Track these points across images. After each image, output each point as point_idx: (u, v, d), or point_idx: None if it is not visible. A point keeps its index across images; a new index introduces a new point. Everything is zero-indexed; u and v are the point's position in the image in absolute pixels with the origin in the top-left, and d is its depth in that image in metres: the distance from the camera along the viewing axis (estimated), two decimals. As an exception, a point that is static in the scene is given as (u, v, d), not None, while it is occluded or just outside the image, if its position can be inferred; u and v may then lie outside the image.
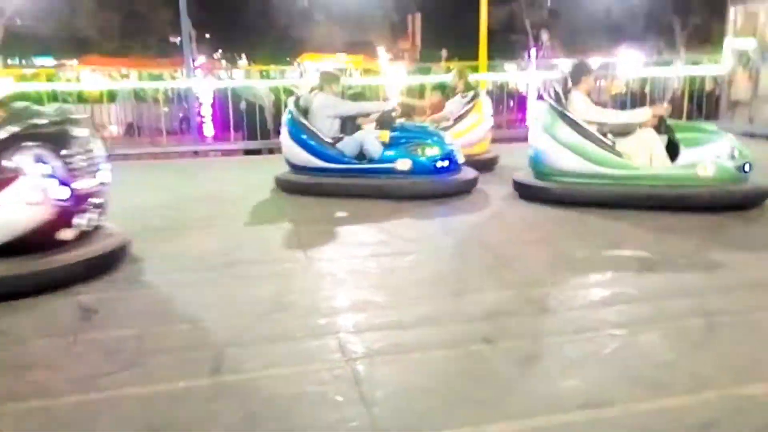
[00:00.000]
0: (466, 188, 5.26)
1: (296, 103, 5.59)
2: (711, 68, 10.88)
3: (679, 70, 11.07)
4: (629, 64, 12.44)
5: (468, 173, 5.38)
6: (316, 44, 21.59)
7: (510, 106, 10.71)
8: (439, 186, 5.17)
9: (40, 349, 2.42)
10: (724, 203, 4.42)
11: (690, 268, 3.28)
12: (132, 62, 18.57)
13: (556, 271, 3.25)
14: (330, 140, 5.40)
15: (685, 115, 10.21)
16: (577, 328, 2.51)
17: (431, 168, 5.18)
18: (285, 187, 5.57)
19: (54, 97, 9.02)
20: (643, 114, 4.75)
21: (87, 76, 13.40)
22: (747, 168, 4.52)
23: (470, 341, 2.40)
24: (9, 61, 19.04)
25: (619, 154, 4.60)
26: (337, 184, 5.31)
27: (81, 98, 9.84)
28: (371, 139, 5.31)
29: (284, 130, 5.53)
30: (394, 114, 5.55)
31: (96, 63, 18.99)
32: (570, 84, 4.89)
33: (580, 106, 4.75)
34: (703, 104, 10.13)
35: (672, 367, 2.18)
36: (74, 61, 20.20)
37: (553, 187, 4.78)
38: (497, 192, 5.28)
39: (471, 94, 6.48)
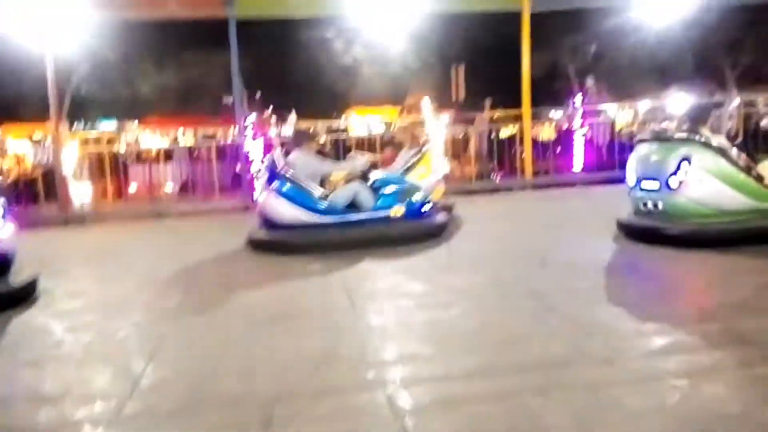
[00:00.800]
0: (445, 228, 5.65)
1: (276, 161, 5.57)
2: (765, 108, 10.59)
3: (732, 109, 10.81)
4: (679, 105, 12.23)
5: (441, 216, 5.77)
6: (362, 98, 22.16)
7: (557, 152, 10.65)
8: (428, 228, 5.51)
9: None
10: None
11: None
12: (188, 121, 19.45)
13: (612, 319, 3.14)
14: (323, 192, 5.49)
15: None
16: (636, 379, 2.40)
17: (419, 212, 5.54)
18: (265, 246, 5.39)
19: (115, 158, 9.51)
20: None
21: (146, 137, 14.08)
22: None
23: (521, 393, 2.33)
24: (75, 126, 20.23)
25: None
26: (330, 237, 5.32)
27: (139, 158, 10.34)
28: (365, 188, 5.55)
29: (268, 188, 5.42)
30: (367, 168, 5.81)
31: (155, 123, 20.01)
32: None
33: (722, 143, 4.74)
34: (758, 142, 9.82)
35: (741, 419, 2.05)
36: (135, 122, 21.32)
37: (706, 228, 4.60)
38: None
39: (417, 148, 6.45)
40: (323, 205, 5.42)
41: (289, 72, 22.27)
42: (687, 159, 4.64)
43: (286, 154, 5.75)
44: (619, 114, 14.67)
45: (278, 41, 20.22)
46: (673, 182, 4.66)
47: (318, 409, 2.31)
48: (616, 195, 8.19)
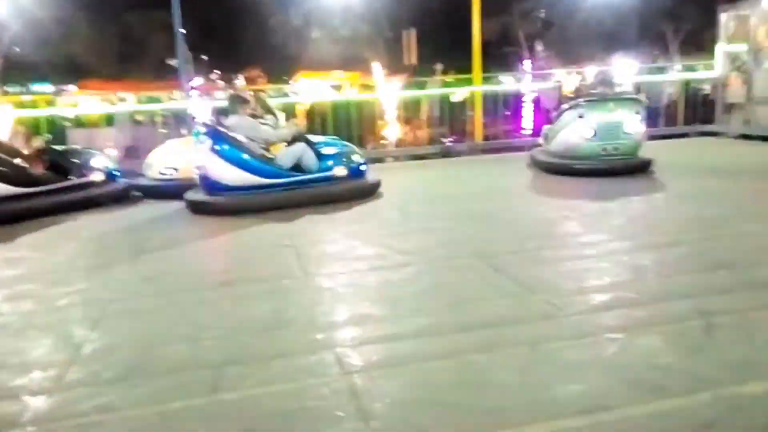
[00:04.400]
0: (378, 187, 5.96)
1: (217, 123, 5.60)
2: (705, 73, 10.95)
3: (674, 75, 11.15)
4: (625, 71, 12.50)
5: (375, 176, 6.01)
6: (312, 62, 21.74)
7: (505, 115, 10.75)
8: (366, 187, 5.82)
9: (37, 373, 2.42)
10: None
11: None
12: (129, 85, 18.69)
13: (555, 277, 3.24)
14: (270, 155, 5.54)
15: (683, 119, 10.26)
16: (576, 334, 2.50)
17: (359, 172, 5.82)
18: (209, 209, 5.36)
19: (52, 122, 9.07)
20: None
21: (85, 101, 13.47)
22: None
23: (468, 351, 2.39)
24: (8, 89, 19.18)
25: None
26: (275, 198, 5.41)
27: (79, 123, 9.90)
28: (309, 150, 5.65)
29: (209, 151, 5.33)
30: (303, 132, 6.00)
31: (94, 87, 19.13)
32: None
33: None
34: (698, 108, 10.17)
35: (670, 369, 2.17)
36: (73, 87, 20.36)
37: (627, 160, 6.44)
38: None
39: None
40: (269, 166, 5.45)
41: (236, 35, 21.62)
42: (638, 111, 6.41)
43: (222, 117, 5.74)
44: (567, 79, 14.89)
45: (225, 2, 19.54)
46: (632, 129, 6.34)
47: (266, 372, 2.31)
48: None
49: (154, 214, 5.71)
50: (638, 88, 9.90)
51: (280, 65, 22.70)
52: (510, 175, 6.91)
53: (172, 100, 10.52)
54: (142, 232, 4.99)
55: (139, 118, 10.07)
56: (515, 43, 23.96)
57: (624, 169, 6.31)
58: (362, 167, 5.87)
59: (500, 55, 24.13)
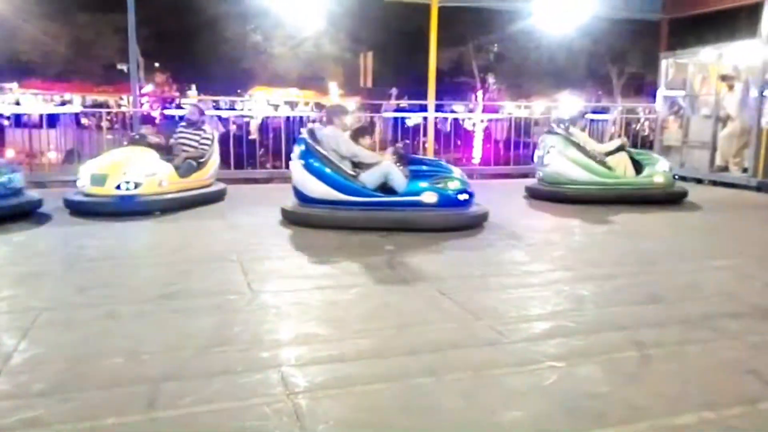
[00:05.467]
0: (483, 220, 5.42)
1: (310, 135, 5.48)
2: (644, 115, 11.52)
3: (615, 115, 11.67)
4: (570, 108, 13.00)
5: (482, 207, 5.50)
6: (268, 77, 21.64)
7: (457, 144, 10.98)
8: (461, 218, 5.27)
9: (-42, 383, 2.27)
10: (670, 199, 6.98)
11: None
12: (75, 87, 18.11)
13: (500, 305, 3.30)
14: (352, 172, 5.31)
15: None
16: (519, 361, 2.55)
17: (455, 201, 5.26)
18: (294, 219, 5.39)
19: (-11, 120, 8.68)
20: (615, 144, 7.47)
21: (27, 100, 12.97)
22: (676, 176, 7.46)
23: (413, 374, 2.40)
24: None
25: (609, 168, 7.00)
26: (355, 216, 5.17)
27: (19, 123, 9.49)
28: (397, 171, 5.29)
29: (298, 162, 5.34)
30: (402, 150, 5.65)
31: (37, 87, 18.43)
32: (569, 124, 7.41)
33: (581, 137, 7.22)
34: (637, 147, 10.65)
35: (608, 398, 2.24)
36: (14, 85, 19.54)
37: (563, 191, 6.91)
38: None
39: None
40: (350, 183, 5.23)
41: (192, 45, 21.30)
42: (553, 146, 6.99)
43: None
44: (516, 112, 15.40)
45: (182, 11, 19.26)
46: (544, 161, 7.10)
47: (207, 389, 2.25)
48: (509, 186, 8.62)
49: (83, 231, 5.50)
50: (583, 125, 10.29)
51: (235, 78, 22.49)
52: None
53: (120, 105, 10.23)
54: (75, 242, 4.80)
55: (84, 121, 9.74)
56: (469, 74, 24.57)
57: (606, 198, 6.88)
58: (461, 196, 5.30)
59: (453, 83, 24.71)
